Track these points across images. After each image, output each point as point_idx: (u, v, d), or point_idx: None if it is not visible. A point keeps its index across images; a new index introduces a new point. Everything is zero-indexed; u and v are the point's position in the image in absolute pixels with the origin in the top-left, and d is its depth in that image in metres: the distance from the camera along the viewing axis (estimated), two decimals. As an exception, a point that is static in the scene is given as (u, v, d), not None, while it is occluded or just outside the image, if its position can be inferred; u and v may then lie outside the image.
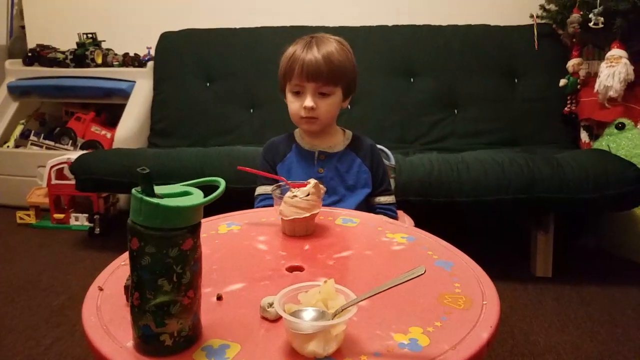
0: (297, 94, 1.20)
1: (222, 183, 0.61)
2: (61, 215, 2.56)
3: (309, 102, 1.17)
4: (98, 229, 2.46)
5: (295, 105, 1.20)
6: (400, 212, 1.36)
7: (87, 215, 2.55)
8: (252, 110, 2.77)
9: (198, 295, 0.60)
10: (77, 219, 2.57)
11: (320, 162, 1.25)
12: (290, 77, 1.19)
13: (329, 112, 1.21)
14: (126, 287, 0.69)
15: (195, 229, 0.57)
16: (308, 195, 0.94)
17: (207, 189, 0.61)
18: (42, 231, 2.55)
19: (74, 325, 1.68)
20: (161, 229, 0.54)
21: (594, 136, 2.38)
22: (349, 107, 1.29)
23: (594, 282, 1.95)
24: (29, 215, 2.61)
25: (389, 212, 1.25)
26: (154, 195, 0.54)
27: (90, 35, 2.98)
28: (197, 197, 0.57)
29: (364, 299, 0.61)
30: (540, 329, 1.65)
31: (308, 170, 1.24)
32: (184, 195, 0.58)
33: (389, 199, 1.28)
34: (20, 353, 1.53)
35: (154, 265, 0.55)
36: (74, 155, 2.41)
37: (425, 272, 0.60)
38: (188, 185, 0.60)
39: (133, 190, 0.54)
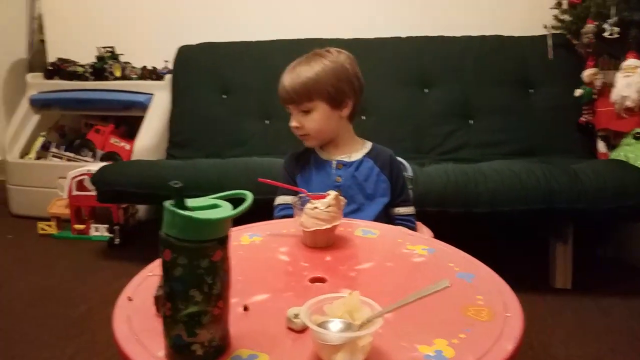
0: (290, 114, 1.29)
1: (250, 196, 0.63)
2: (82, 226, 2.60)
3: (292, 122, 1.27)
4: (118, 240, 2.50)
5: (291, 125, 1.29)
6: (418, 224, 1.36)
7: (107, 226, 2.59)
8: (267, 122, 2.79)
9: (227, 305, 0.61)
10: (97, 229, 2.61)
11: (338, 171, 1.27)
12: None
13: (315, 127, 1.25)
14: (156, 298, 0.70)
15: (224, 241, 0.58)
16: (329, 206, 0.95)
17: (232, 201, 0.62)
18: (63, 242, 2.59)
19: (95, 336, 1.71)
20: (193, 241, 0.55)
21: (611, 146, 2.37)
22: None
23: (614, 293, 1.93)
24: (50, 226, 2.66)
25: (408, 223, 1.26)
26: (186, 208, 0.56)
27: (109, 49, 3.04)
28: (226, 210, 0.59)
29: (390, 311, 0.62)
30: (560, 341, 1.63)
31: (326, 179, 1.26)
32: (213, 207, 0.60)
33: (408, 209, 1.29)
34: (43, 362, 1.56)
35: (186, 276, 0.56)
36: (94, 166, 2.46)
37: (450, 285, 0.61)
38: (216, 198, 0.62)
39: (166, 203, 0.56)
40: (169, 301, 0.58)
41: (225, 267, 0.59)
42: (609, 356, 1.55)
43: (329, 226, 0.94)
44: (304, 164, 1.31)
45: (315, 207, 0.95)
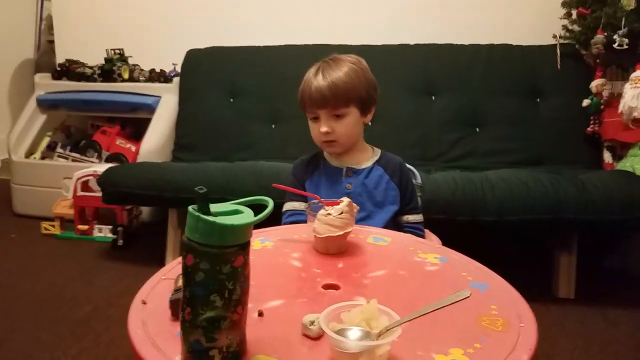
0: (315, 119, 1.25)
1: (270, 202, 0.63)
2: (85, 227, 2.61)
3: (323, 127, 1.22)
4: (121, 241, 2.50)
5: (315, 131, 1.26)
6: (427, 231, 1.36)
7: (110, 227, 2.59)
8: (273, 126, 2.80)
9: (245, 311, 0.61)
10: (100, 230, 2.61)
11: (348, 178, 1.26)
12: (304, 106, 1.26)
13: (346, 133, 1.24)
14: (172, 302, 0.70)
15: (246, 247, 0.59)
16: (342, 213, 0.95)
17: (250, 206, 0.62)
18: (66, 242, 2.59)
19: (99, 336, 1.71)
20: (216, 246, 0.56)
21: (618, 157, 2.37)
22: (369, 123, 1.32)
23: (619, 304, 1.93)
24: (53, 226, 2.66)
25: (417, 230, 1.26)
26: (210, 213, 0.56)
27: (117, 51, 3.05)
28: (248, 216, 0.59)
29: (409, 320, 0.62)
30: (564, 352, 1.63)
31: (336, 186, 1.26)
32: (235, 213, 0.60)
33: (417, 217, 1.29)
34: (47, 363, 1.56)
35: (208, 281, 0.56)
36: (100, 167, 2.46)
37: (470, 295, 0.61)
38: (238, 203, 0.62)
39: (190, 209, 0.56)
40: (189, 306, 0.58)
41: (246, 273, 0.60)
42: (615, 367, 1.55)
43: (341, 233, 0.94)
44: (313, 170, 1.31)
45: (328, 214, 0.95)
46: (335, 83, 1.20)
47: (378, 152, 1.32)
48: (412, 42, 2.76)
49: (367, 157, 1.30)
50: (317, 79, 1.22)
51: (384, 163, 1.29)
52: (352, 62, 1.24)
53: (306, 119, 1.30)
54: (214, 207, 0.58)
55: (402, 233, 1.12)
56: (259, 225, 1.07)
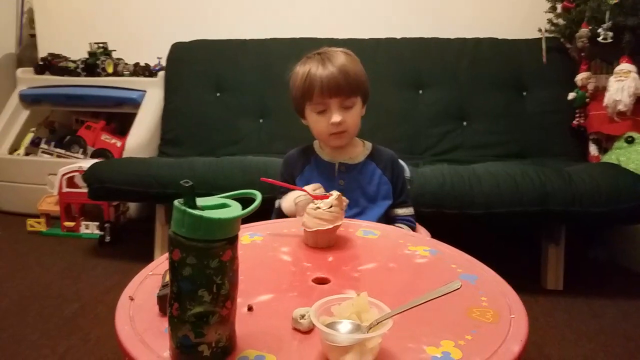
0: (322, 112, 1.20)
1: (259, 195, 0.62)
2: (71, 223, 2.57)
3: (337, 117, 1.18)
4: (108, 237, 2.47)
5: (322, 124, 1.20)
6: (416, 225, 1.36)
7: (97, 223, 2.56)
8: (261, 121, 2.78)
9: (234, 306, 0.60)
10: (87, 227, 2.58)
11: (341, 174, 1.25)
12: (310, 96, 1.19)
13: (354, 123, 1.22)
14: (160, 298, 0.69)
15: (234, 241, 0.58)
16: (331, 207, 0.95)
17: (239, 200, 0.61)
18: (52, 239, 2.56)
19: (88, 334, 1.68)
20: (203, 240, 0.55)
21: (603, 149, 2.39)
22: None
23: (606, 295, 1.95)
24: (39, 223, 2.62)
25: (409, 223, 1.26)
26: (196, 207, 0.55)
27: (101, 45, 3.00)
28: (236, 209, 0.58)
29: (400, 312, 0.62)
30: (553, 342, 1.65)
31: (328, 182, 1.23)
32: (222, 207, 0.59)
33: (408, 210, 1.29)
34: (34, 361, 1.54)
35: (195, 276, 0.55)
36: (85, 163, 2.43)
37: (461, 286, 0.61)
38: (225, 197, 0.61)
39: (176, 202, 0.55)
40: (177, 301, 0.57)
41: (234, 267, 0.59)
42: (601, 357, 1.56)
43: (330, 226, 0.94)
44: (305, 164, 1.29)
45: (318, 207, 0.95)
46: (346, 69, 1.17)
47: (369, 146, 1.31)
48: (398, 36, 2.75)
49: (359, 152, 1.28)
50: (325, 68, 1.17)
51: (377, 157, 1.28)
52: (347, 53, 1.22)
53: (298, 117, 1.27)
54: (200, 201, 0.57)
55: (392, 226, 1.12)
56: (248, 219, 1.07)
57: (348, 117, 1.19)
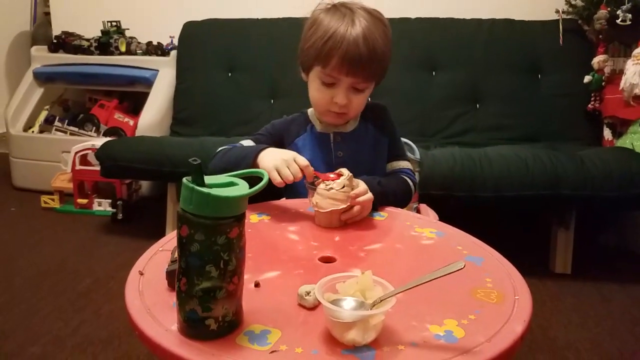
0: (328, 84, 1.08)
1: (266, 174, 0.63)
2: (84, 201, 2.61)
3: (342, 99, 1.07)
4: (121, 215, 2.51)
5: (324, 97, 1.09)
6: (424, 206, 1.36)
7: (110, 201, 2.59)
8: (272, 101, 2.78)
9: (241, 282, 0.61)
10: (100, 204, 2.62)
11: (338, 145, 1.16)
12: (325, 64, 1.05)
13: (360, 107, 1.13)
14: (168, 273, 0.71)
15: (241, 218, 0.59)
16: (343, 187, 0.95)
17: (247, 179, 0.62)
18: (66, 215, 2.60)
19: (100, 308, 1.73)
20: (210, 218, 0.56)
21: (617, 134, 2.36)
22: (369, 99, 1.18)
23: (614, 279, 1.95)
24: (53, 200, 2.67)
25: (411, 176, 1.19)
26: (204, 185, 0.56)
27: (114, 24, 3.01)
28: (243, 188, 0.59)
29: (403, 291, 0.62)
30: (559, 325, 1.65)
31: (325, 154, 1.15)
32: (230, 185, 0.60)
33: (407, 163, 1.22)
34: (48, 333, 1.58)
35: (203, 252, 0.56)
36: (98, 141, 2.46)
37: (464, 266, 0.61)
38: (233, 175, 0.62)
39: (184, 180, 0.56)
40: (185, 276, 0.58)
41: (241, 244, 0.60)
42: (608, 341, 1.57)
43: (344, 206, 0.94)
44: (298, 133, 1.18)
45: (331, 188, 0.95)
46: (375, 51, 1.02)
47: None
48: (412, 16, 2.72)
49: (354, 117, 1.19)
50: (355, 41, 1.01)
51: (369, 115, 1.18)
52: (384, 23, 1.08)
53: (302, 75, 1.16)
54: (208, 179, 0.58)
55: (399, 209, 1.10)
56: (255, 198, 1.08)
57: (355, 100, 1.09)
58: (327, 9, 1.09)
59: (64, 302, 1.77)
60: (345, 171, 0.98)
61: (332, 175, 1.00)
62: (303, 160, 0.98)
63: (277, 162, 0.98)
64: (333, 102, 1.08)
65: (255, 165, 1.01)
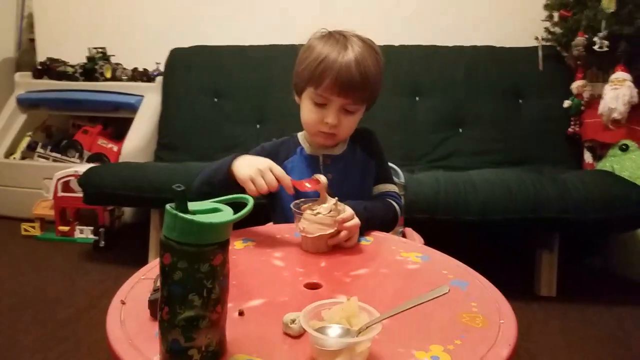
0: (319, 105, 1.10)
1: (251, 200, 0.63)
2: (66, 228, 2.57)
3: (332, 119, 1.08)
4: (103, 242, 2.47)
5: (315, 117, 1.10)
6: (409, 230, 1.36)
7: (91, 228, 2.56)
8: (258, 126, 2.79)
9: (225, 310, 0.60)
10: (82, 231, 2.58)
11: (327, 167, 1.17)
12: (318, 85, 1.07)
13: (350, 129, 1.14)
14: (151, 302, 0.69)
15: (225, 245, 0.58)
16: (330, 211, 0.95)
17: (232, 205, 0.62)
18: (47, 243, 2.56)
19: (81, 339, 1.68)
20: (194, 245, 0.55)
21: (598, 157, 2.41)
22: None
23: (599, 302, 1.96)
24: (33, 227, 2.62)
25: (398, 200, 1.20)
26: (187, 211, 0.56)
27: (100, 50, 3.01)
28: (227, 214, 0.58)
29: (389, 317, 0.62)
30: (545, 349, 1.65)
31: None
32: (214, 212, 0.59)
33: (393, 187, 1.23)
34: (27, 366, 1.53)
35: (186, 280, 0.56)
36: (81, 168, 2.43)
37: (449, 291, 0.61)
38: (217, 202, 0.62)
39: (167, 207, 0.55)
40: (167, 305, 0.57)
41: (225, 272, 0.59)
42: (595, 364, 1.57)
43: (332, 231, 0.94)
44: (287, 155, 1.19)
45: (318, 213, 0.95)
46: (367, 77, 1.06)
47: None
48: (396, 44, 2.77)
49: (343, 141, 1.20)
50: (347, 63, 1.04)
51: (358, 139, 1.20)
52: (376, 51, 1.12)
53: (295, 97, 1.18)
54: (192, 205, 0.58)
55: (385, 233, 1.10)
56: (240, 224, 1.07)
57: (345, 121, 1.10)
58: (322, 35, 1.14)
59: (44, 332, 1.72)
60: (321, 177, 0.98)
61: (307, 185, 1.00)
62: (279, 170, 0.99)
63: (252, 172, 0.99)
64: (324, 122, 1.10)
65: (231, 174, 1.02)
